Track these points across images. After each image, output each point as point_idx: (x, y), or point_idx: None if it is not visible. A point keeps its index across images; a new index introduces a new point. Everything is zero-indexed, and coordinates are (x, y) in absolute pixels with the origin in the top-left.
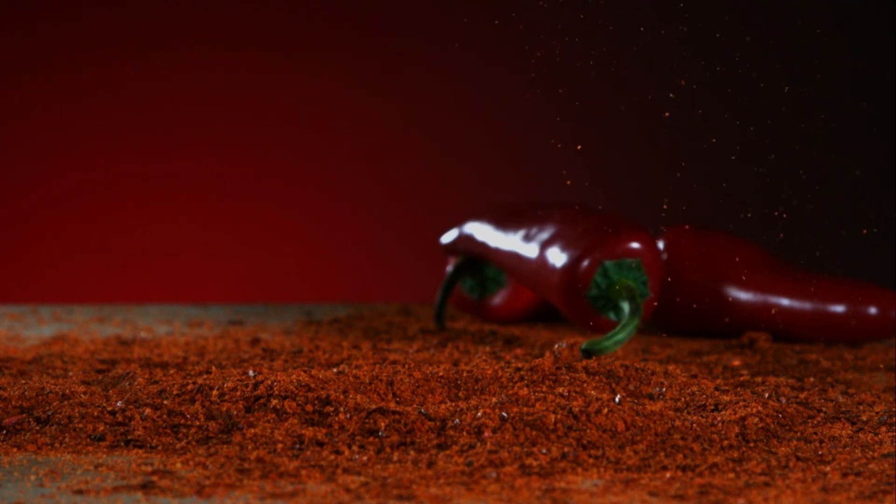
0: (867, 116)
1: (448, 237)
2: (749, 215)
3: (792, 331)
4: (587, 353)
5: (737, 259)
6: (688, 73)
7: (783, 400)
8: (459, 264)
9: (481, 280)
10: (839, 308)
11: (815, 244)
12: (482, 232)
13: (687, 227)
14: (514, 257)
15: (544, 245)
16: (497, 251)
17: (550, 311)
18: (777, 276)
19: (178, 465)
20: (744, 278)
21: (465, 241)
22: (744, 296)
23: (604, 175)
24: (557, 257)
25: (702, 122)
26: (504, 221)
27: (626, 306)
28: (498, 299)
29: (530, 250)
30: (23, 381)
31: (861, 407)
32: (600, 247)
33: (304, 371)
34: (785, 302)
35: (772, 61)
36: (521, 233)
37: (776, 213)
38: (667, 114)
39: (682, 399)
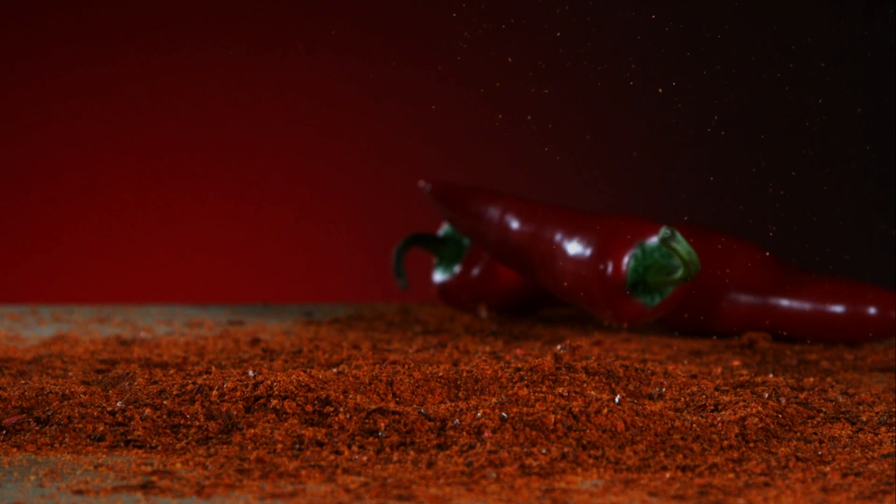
0: (869, 116)
1: (432, 189)
2: (745, 212)
3: (791, 331)
4: (669, 235)
5: (736, 259)
6: (688, 70)
7: (783, 400)
8: (417, 234)
9: (441, 253)
10: (838, 308)
11: (815, 244)
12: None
13: (685, 226)
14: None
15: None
16: (515, 230)
17: (536, 292)
18: (776, 277)
19: (178, 465)
20: (742, 279)
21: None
22: (743, 297)
23: (602, 174)
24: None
25: (701, 121)
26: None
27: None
28: (476, 270)
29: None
30: (23, 381)
31: (861, 407)
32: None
33: (304, 371)
34: (784, 303)
35: (774, 60)
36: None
37: (776, 213)
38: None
39: (682, 399)
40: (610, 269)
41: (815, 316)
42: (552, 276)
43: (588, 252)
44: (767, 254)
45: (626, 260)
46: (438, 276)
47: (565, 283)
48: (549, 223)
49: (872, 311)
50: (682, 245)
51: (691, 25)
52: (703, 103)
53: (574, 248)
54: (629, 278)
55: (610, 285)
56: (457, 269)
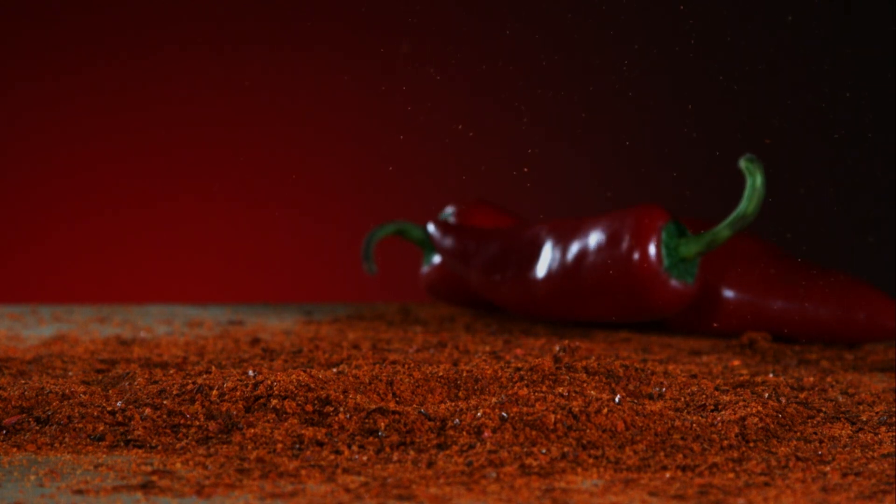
0: (871, 115)
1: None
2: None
3: (785, 333)
4: (753, 158)
5: (735, 255)
6: (691, 68)
7: (783, 400)
8: (392, 222)
9: (417, 240)
10: (830, 312)
11: (816, 243)
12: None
13: (688, 220)
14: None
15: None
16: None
17: None
18: (771, 278)
19: (178, 465)
20: (738, 280)
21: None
22: (738, 297)
23: (603, 171)
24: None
25: (702, 118)
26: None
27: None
28: None
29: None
30: (23, 381)
31: (861, 407)
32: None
33: (304, 371)
34: (778, 304)
35: (778, 59)
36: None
37: (779, 211)
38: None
39: (682, 399)
40: (637, 255)
41: (808, 318)
42: (564, 271)
43: (615, 237)
44: (768, 247)
45: (654, 240)
46: (423, 269)
47: (588, 275)
48: (567, 219)
49: (862, 316)
50: (761, 174)
51: (700, 24)
52: (705, 103)
53: (599, 235)
54: (665, 261)
55: (643, 271)
56: (436, 259)
